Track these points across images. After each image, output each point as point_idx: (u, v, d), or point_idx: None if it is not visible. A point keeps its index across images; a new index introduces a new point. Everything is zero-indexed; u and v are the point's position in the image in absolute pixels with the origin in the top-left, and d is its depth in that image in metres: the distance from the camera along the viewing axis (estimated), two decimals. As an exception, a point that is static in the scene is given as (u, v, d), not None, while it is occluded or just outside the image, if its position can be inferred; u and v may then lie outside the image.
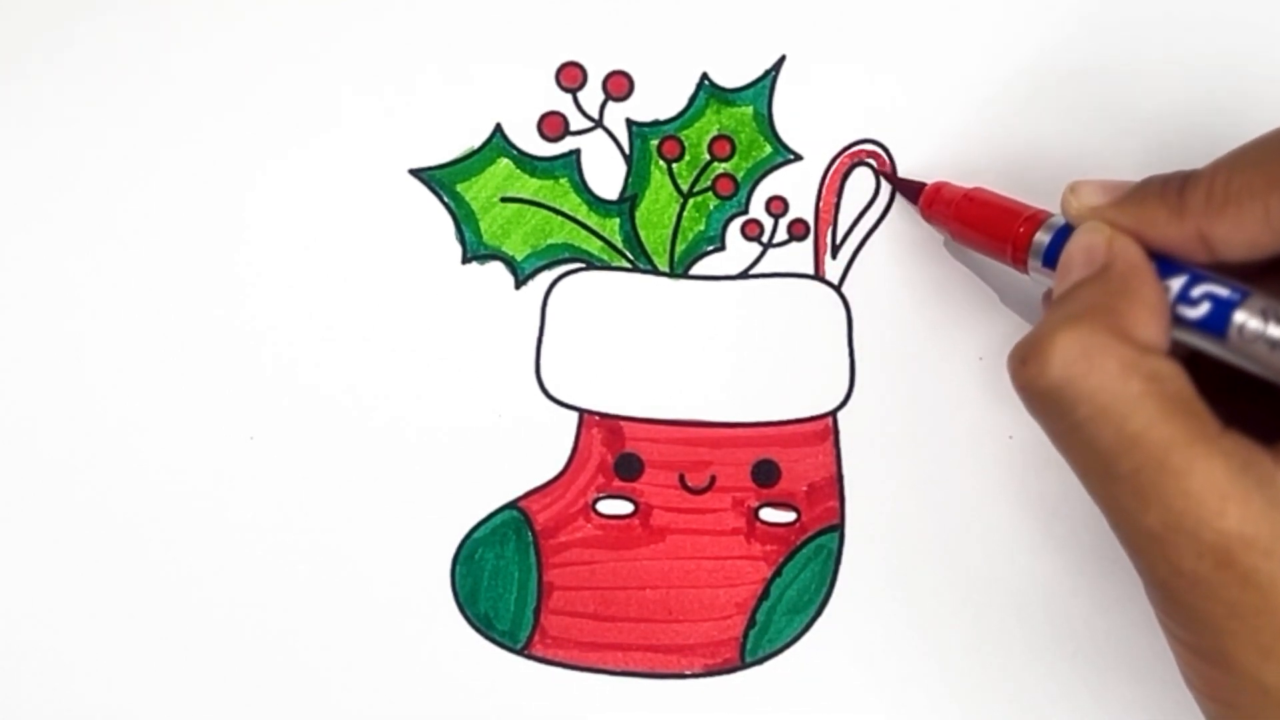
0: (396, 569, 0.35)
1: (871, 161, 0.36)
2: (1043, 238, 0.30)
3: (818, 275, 0.36)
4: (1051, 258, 0.29)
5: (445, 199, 0.37)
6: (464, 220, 0.36)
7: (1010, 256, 0.31)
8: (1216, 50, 0.36)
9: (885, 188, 0.36)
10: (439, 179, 0.37)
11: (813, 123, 0.37)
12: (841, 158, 0.36)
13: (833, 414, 0.36)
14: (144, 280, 0.36)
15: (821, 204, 0.36)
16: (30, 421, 0.36)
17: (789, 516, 0.35)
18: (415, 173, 0.37)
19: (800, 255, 0.36)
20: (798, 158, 0.37)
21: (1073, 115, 0.36)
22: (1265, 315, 0.25)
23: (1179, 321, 0.26)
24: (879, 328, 0.36)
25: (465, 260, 0.36)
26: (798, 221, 0.36)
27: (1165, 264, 0.26)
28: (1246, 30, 0.36)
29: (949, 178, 0.36)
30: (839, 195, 0.36)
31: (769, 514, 0.35)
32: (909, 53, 0.37)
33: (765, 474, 0.35)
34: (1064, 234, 0.29)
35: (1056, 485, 0.35)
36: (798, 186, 0.36)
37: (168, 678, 0.35)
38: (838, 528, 0.35)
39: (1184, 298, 0.26)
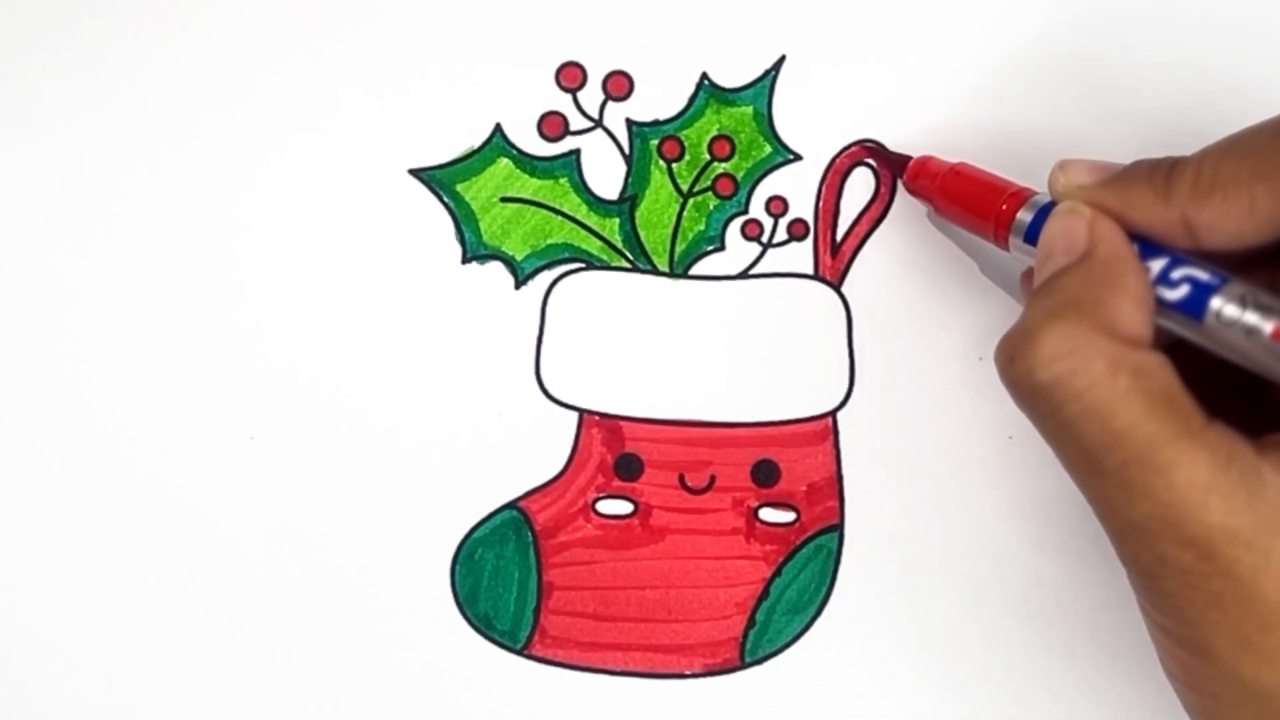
0: (396, 569, 0.35)
1: (871, 161, 0.36)
2: (1025, 215, 0.30)
3: (817, 275, 0.36)
4: (1033, 236, 0.29)
5: (445, 199, 0.37)
6: (464, 220, 0.36)
7: (992, 233, 0.31)
8: (1215, 41, 0.36)
9: (885, 188, 0.36)
10: (439, 179, 0.37)
11: (812, 123, 0.37)
12: (841, 157, 0.36)
13: (832, 414, 0.36)
14: (143, 280, 0.36)
15: (821, 204, 0.36)
16: (29, 421, 0.36)
17: (789, 516, 0.35)
18: (415, 173, 0.37)
19: (800, 255, 0.36)
20: (797, 158, 0.37)
21: (1074, 113, 0.36)
22: (1243, 301, 0.25)
23: (1157, 303, 0.26)
24: (879, 328, 0.36)
25: (465, 260, 0.36)
26: (797, 221, 0.36)
27: (1147, 246, 0.26)
28: (1241, 25, 0.36)
29: (949, 178, 0.36)
30: (839, 195, 0.36)
31: (769, 514, 0.35)
32: (909, 53, 0.37)
33: (765, 474, 0.35)
34: (1047, 212, 0.29)
35: (1055, 485, 0.35)
36: (797, 186, 0.36)
37: (167, 678, 0.35)
38: (837, 528, 0.35)
39: (1164, 279, 0.26)
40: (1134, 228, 0.27)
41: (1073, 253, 0.27)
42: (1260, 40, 0.36)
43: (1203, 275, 0.25)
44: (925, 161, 0.34)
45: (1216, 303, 0.25)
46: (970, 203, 0.32)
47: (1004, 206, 0.30)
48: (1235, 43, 0.36)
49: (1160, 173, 0.27)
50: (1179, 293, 0.25)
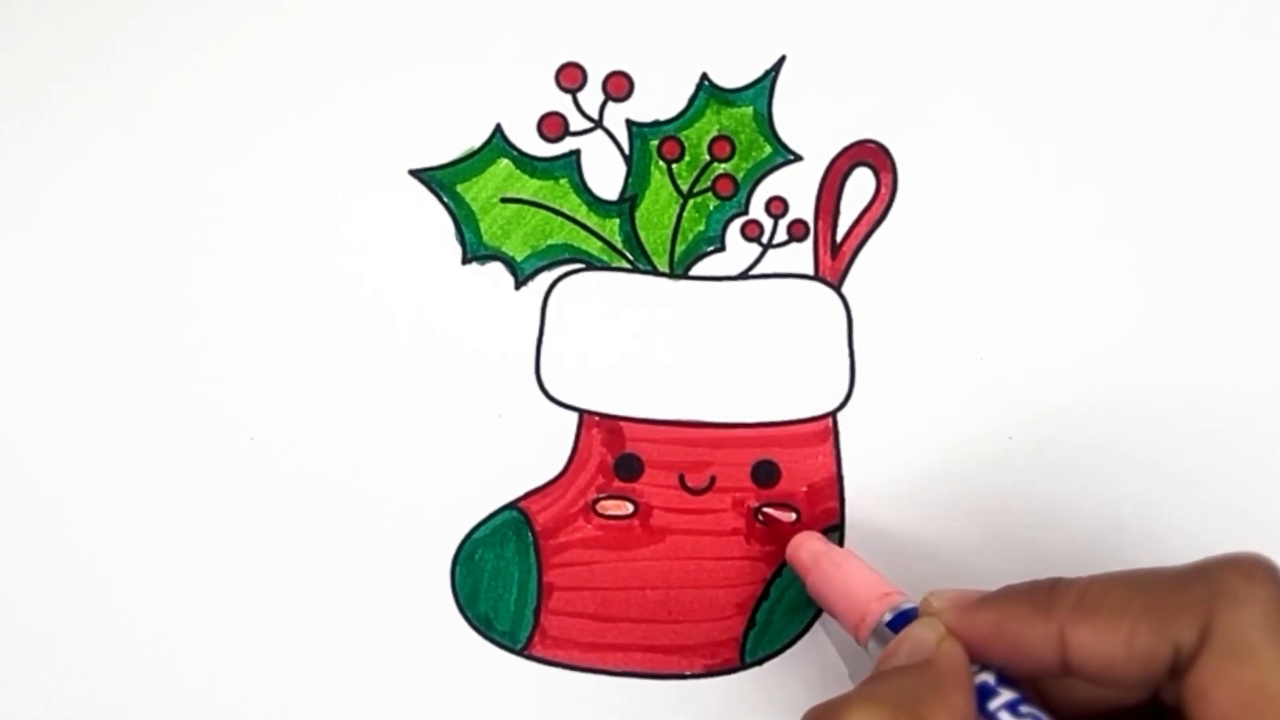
0: (397, 569, 0.35)
1: (871, 161, 0.36)
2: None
3: (817, 275, 0.36)
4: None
5: (445, 199, 0.37)
6: (464, 220, 0.37)
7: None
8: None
9: (885, 188, 0.36)
10: (439, 179, 0.37)
11: (813, 123, 0.37)
12: (841, 158, 0.36)
13: (833, 414, 0.36)
14: (144, 280, 0.36)
15: (821, 204, 0.36)
16: (31, 421, 0.36)
17: (789, 517, 0.35)
18: (415, 173, 0.37)
19: (800, 255, 0.36)
20: (798, 158, 0.37)
21: (1072, 108, 0.36)
22: None
23: None
24: (879, 328, 0.36)
25: (465, 260, 0.36)
26: (797, 222, 0.36)
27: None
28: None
29: (950, 177, 0.36)
30: (839, 195, 0.36)
31: (769, 514, 0.35)
32: (909, 53, 0.37)
33: (765, 474, 0.35)
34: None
35: (1056, 486, 0.35)
36: (798, 187, 0.36)
37: (168, 677, 0.35)
38: (838, 528, 0.35)
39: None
40: (1009, 639, 0.26)
41: (915, 657, 0.27)
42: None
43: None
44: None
45: None
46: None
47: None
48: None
49: (1041, 588, 0.27)
50: None
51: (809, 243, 0.36)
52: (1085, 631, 0.25)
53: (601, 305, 0.36)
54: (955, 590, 0.28)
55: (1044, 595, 0.26)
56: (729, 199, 0.37)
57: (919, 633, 0.28)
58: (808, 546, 0.33)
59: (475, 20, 0.37)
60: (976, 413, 0.35)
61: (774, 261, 0.36)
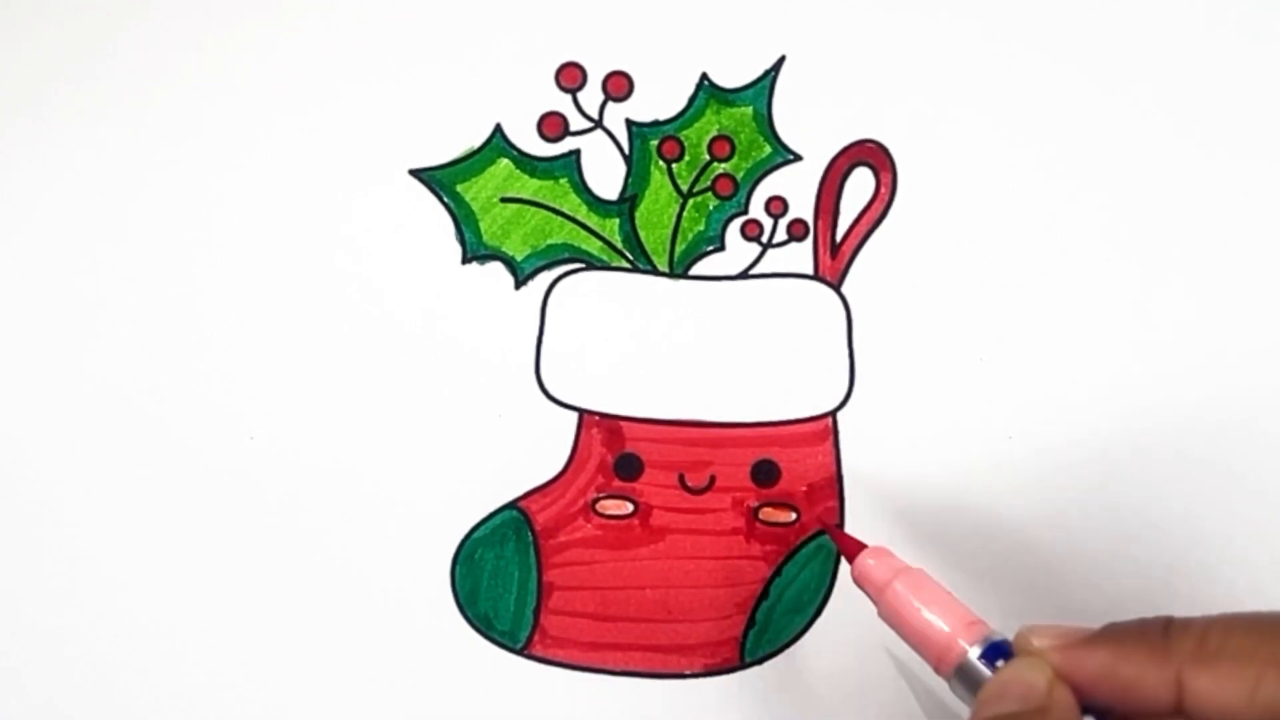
0: (396, 569, 0.35)
1: (871, 161, 0.36)
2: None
3: (817, 275, 0.36)
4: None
5: (445, 199, 0.37)
6: (464, 220, 0.37)
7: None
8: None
9: (885, 188, 0.36)
10: (439, 179, 0.37)
11: (812, 123, 0.37)
12: (841, 158, 0.36)
13: (833, 414, 0.36)
14: (144, 280, 0.36)
15: (821, 204, 0.36)
16: (31, 421, 0.36)
17: (789, 516, 0.35)
18: (415, 173, 0.37)
19: (800, 255, 0.36)
20: (797, 158, 0.37)
21: (1072, 108, 0.37)
22: None
23: None
24: (879, 328, 0.36)
25: (465, 260, 0.36)
26: (797, 222, 0.36)
27: None
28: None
29: (950, 177, 0.36)
30: (838, 195, 0.36)
31: (769, 514, 0.35)
32: (909, 53, 0.37)
33: (765, 474, 0.35)
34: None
35: (1056, 486, 0.35)
36: (797, 187, 0.37)
37: (168, 677, 0.35)
38: (837, 527, 0.35)
39: None
40: (1122, 682, 0.25)
41: (1027, 703, 0.26)
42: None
43: None
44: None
45: None
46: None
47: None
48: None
49: (1154, 628, 0.26)
50: None
51: (809, 242, 0.36)
52: (1207, 678, 0.24)
53: (601, 305, 0.36)
54: (1053, 626, 0.27)
55: (1159, 636, 0.25)
56: (729, 199, 0.37)
57: (1028, 676, 0.26)
58: (879, 566, 0.31)
59: (475, 20, 0.37)
60: (976, 413, 0.35)
61: (774, 261, 0.36)
